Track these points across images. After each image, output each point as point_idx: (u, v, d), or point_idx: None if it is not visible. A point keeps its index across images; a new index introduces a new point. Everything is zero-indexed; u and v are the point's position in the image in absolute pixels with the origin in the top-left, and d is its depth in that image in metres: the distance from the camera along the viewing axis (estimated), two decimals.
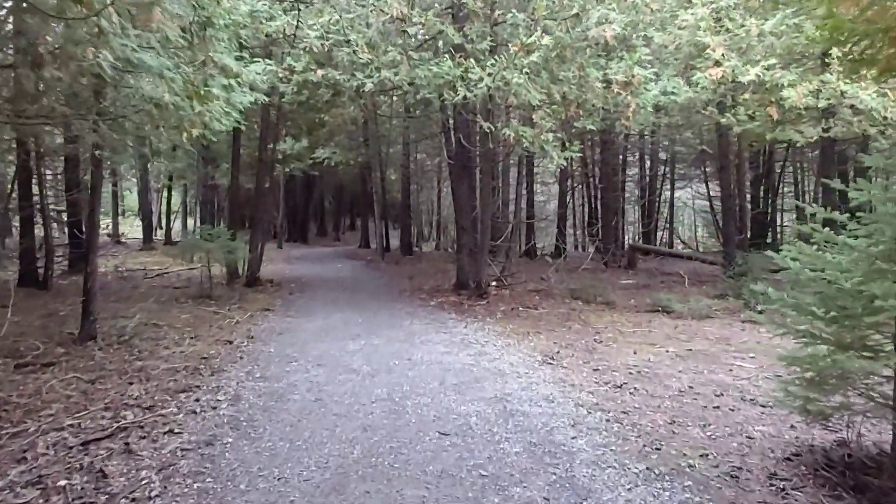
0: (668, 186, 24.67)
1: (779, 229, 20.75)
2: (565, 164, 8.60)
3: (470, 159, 11.44)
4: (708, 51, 9.03)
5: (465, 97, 7.83)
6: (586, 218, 21.06)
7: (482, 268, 10.56)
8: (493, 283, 11.19)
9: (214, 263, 11.63)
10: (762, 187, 18.19)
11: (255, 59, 8.63)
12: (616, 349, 7.16)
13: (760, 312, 4.89)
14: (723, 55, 8.90)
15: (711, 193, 21.58)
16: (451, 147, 16.71)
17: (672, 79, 9.68)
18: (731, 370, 6.11)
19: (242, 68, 6.71)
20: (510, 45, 8.34)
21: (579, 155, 16.15)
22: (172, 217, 30.01)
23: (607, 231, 15.15)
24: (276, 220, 27.65)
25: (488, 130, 8.45)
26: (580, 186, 20.95)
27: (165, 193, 27.33)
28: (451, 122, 12.89)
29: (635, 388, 5.40)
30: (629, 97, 8.72)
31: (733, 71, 8.92)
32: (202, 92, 5.76)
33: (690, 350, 7.05)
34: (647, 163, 23.35)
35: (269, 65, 9.06)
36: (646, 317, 9.27)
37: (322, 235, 37.97)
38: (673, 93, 9.49)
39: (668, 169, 23.52)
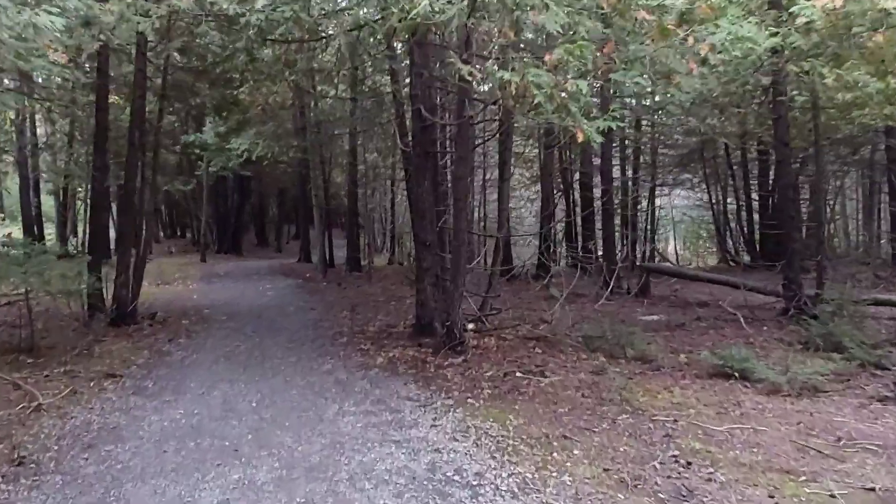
0: (646, 192, 21.60)
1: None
2: (601, 140, 5.09)
3: (433, 142, 7.84)
4: None
5: (431, 12, 4.25)
6: (577, 229, 17.71)
7: (455, 305, 6.96)
8: (471, 327, 7.60)
9: (43, 294, 7.62)
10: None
11: None
12: (727, 486, 3.68)
13: None
14: None
15: (708, 199, 18.65)
16: (405, 132, 13.17)
17: (742, 21, 6.27)
18: None
19: None
20: None
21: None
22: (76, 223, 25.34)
23: (609, 247, 11.81)
24: (198, 229, 23.40)
25: (468, 79, 4.86)
26: (560, 189, 17.59)
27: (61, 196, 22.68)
28: (404, 97, 9.32)
29: None
30: (690, 38, 5.33)
31: None
32: None
33: (876, 491, 3.64)
34: (621, 163, 20.15)
35: None
36: (719, 389, 5.85)
37: (263, 245, 33.62)
38: (748, 39, 6.07)
39: (650, 171, 20.29)
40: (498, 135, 8.05)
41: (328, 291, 13.76)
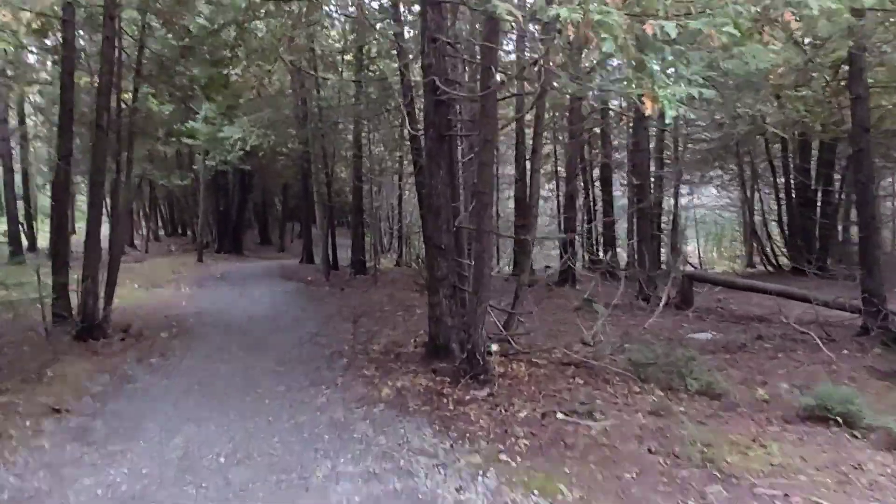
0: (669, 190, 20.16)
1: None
2: (674, 115, 3.78)
3: (449, 123, 6.53)
4: None
5: None
6: (598, 230, 16.37)
7: (478, 323, 5.67)
8: (495, 349, 6.30)
9: None
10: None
11: None
12: None
13: None
14: None
15: (744, 197, 17.23)
16: (414, 117, 11.89)
17: None
18: None
19: None
20: None
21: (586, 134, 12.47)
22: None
23: (644, 251, 10.45)
24: (195, 227, 22.25)
25: (507, 18, 3.59)
26: (582, 186, 16.23)
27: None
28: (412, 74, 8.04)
29: None
30: None
31: None
32: None
33: None
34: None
35: None
36: (822, 441, 4.53)
37: (266, 244, 32.47)
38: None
39: (674, 166, 18.79)
40: (532, 109, 6.73)
41: (329, 298, 12.51)
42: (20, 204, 19.01)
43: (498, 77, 5.75)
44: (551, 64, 4.64)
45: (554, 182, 22.20)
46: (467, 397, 5.37)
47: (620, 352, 6.63)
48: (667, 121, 3.79)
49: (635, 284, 9.98)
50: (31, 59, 15.21)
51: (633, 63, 3.44)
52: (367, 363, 6.78)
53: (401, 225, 25.71)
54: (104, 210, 11.34)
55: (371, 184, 18.75)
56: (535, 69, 6.03)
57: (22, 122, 19.50)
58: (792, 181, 15.12)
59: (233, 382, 6.17)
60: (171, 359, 7.17)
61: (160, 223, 33.02)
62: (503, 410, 5.06)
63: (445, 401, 5.33)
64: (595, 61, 6.13)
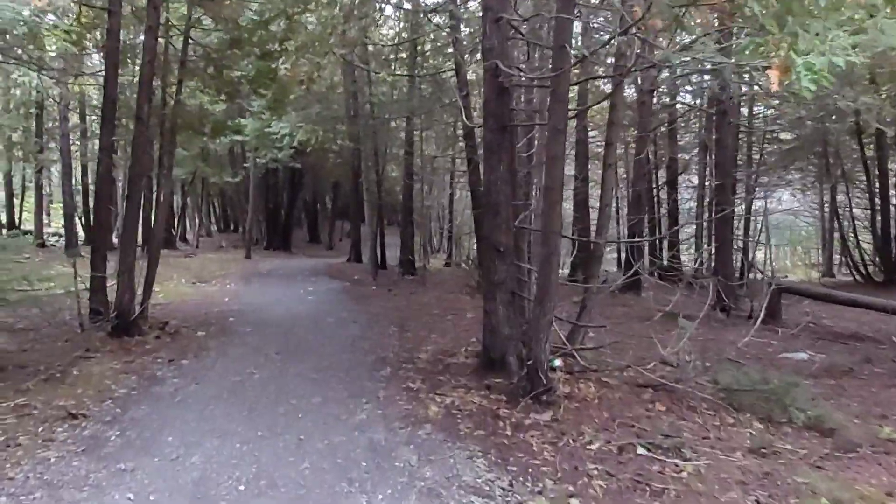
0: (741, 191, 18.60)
1: None
2: (813, 89, 2.89)
3: (511, 114, 5.79)
4: None
5: None
6: (662, 230, 15.23)
7: (541, 337, 4.90)
8: (558, 364, 5.50)
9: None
10: None
11: None
12: None
13: None
14: None
15: (830, 201, 15.71)
16: (469, 111, 11.20)
17: None
18: None
19: None
20: None
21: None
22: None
23: (724, 257, 9.36)
24: (245, 224, 22.23)
25: None
26: (646, 183, 15.08)
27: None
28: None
29: None
30: None
31: None
32: None
33: None
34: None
35: None
36: None
37: (315, 242, 32.43)
38: None
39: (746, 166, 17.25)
40: (613, 90, 5.88)
41: (376, 298, 11.94)
42: (78, 199, 19.32)
43: (573, 55, 4.95)
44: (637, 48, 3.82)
45: (633, 176, 21.14)
46: (528, 421, 4.60)
47: (703, 372, 5.71)
48: (805, 93, 2.94)
49: (710, 294, 8.94)
50: (96, 58, 15.38)
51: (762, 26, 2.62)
52: (413, 374, 6.09)
53: (451, 225, 25.05)
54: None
55: (422, 182, 18.14)
56: (626, 40, 5.20)
57: (82, 119, 19.84)
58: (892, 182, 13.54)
59: (265, 390, 5.59)
60: (203, 360, 6.67)
61: (213, 219, 33.48)
62: (571, 440, 4.27)
63: (502, 424, 4.58)
64: (700, 30, 5.22)
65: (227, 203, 33.06)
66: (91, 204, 21.00)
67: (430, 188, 21.86)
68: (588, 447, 4.16)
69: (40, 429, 4.54)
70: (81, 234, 19.01)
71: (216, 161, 25.56)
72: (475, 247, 29.07)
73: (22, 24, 5.64)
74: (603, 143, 16.15)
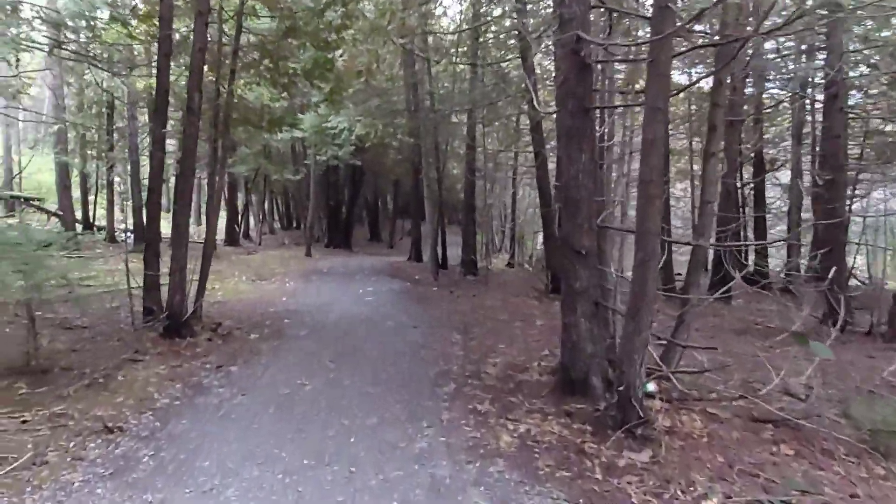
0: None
1: None
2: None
3: (593, 94, 4.99)
4: None
5: None
6: (747, 232, 13.89)
7: (636, 358, 4.09)
8: (652, 388, 4.66)
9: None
10: None
11: None
12: None
13: None
14: None
15: None
16: (537, 101, 10.44)
17: None
18: None
19: None
20: None
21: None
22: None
23: (835, 263, 8.10)
24: (305, 221, 22.15)
25: None
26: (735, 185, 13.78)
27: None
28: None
29: None
30: None
31: None
32: None
33: None
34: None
35: None
36: None
37: (375, 241, 32.26)
38: None
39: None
40: (721, 66, 4.94)
41: (437, 300, 11.30)
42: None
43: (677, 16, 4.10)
44: None
45: (688, 180, 19.81)
46: (621, 462, 3.81)
47: (831, 404, 4.73)
48: None
49: (814, 305, 7.81)
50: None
51: None
52: (481, 392, 5.39)
53: (514, 223, 24.18)
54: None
55: (485, 179, 17.40)
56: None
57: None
58: None
59: (316, 405, 5.02)
60: (253, 367, 6.20)
61: (276, 217, 33.87)
62: (680, 491, 3.45)
63: (590, 464, 3.81)
64: None
65: (290, 200, 33.36)
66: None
67: (491, 185, 21.07)
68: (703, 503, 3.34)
69: (72, 444, 4.13)
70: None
71: (279, 158, 25.71)
72: (539, 247, 28.14)
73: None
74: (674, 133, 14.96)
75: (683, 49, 5.11)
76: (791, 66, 12.24)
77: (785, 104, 13.70)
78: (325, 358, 6.65)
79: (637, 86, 6.68)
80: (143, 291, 7.59)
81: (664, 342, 5.14)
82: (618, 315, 5.20)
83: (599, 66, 6.12)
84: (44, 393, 5.06)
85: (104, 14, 9.11)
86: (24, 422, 4.49)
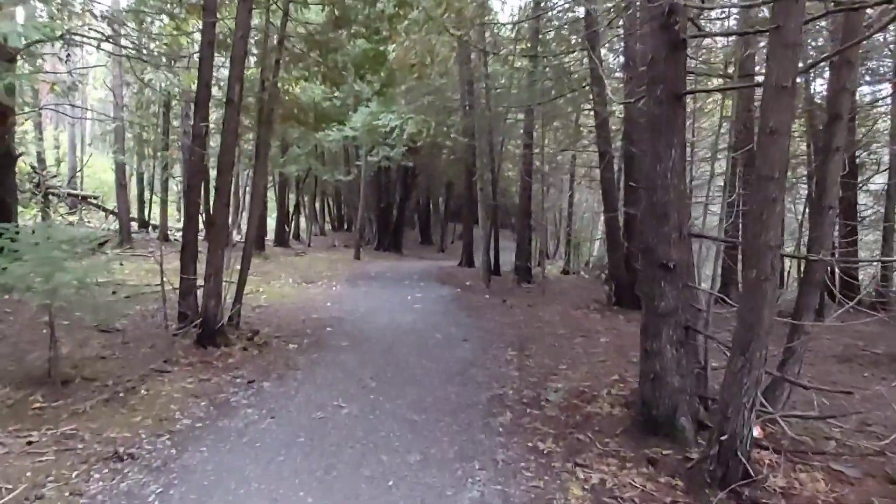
0: None
1: None
2: None
3: (681, 76, 4.18)
4: None
5: None
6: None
7: (744, 400, 3.25)
8: (757, 434, 3.78)
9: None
10: None
11: None
12: None
13: None
14: None
15: None
16: (604, 97, 9.58)
17: None
18: None
19: None
20: None
21: None
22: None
23: None
24: (356, 223, 21.80)
25: None
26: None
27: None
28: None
29: None
30: None
31: None
32: None
33: None
34: None
35: None
36: None
37: (426, 244, 31.78)
38: None
39: None
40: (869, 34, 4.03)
41: (489, 311, 10.55)
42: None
43: None
44: None
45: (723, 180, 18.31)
46: None
47: None
48: None
49: None
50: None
51: None
52: (541, 425, 4.62)
53: (569, 228, 23.17)
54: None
55: (542, 182, 16.54)
56: None
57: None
58: None
59: (351, 436, 4.37)
60: (287, 384, 5.62)
61: (328, 218, 33.85)
62: None
63: None
64: None
65: (341, 202, 33.29)
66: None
67: (547, 189, 20.16)
68: None
69: (75, 473, 3.62)
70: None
71: (330, 159, 25.54)
72: (595, 254, 26.97)
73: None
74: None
75: (814, 15, 4.19)
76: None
77: (887, 100, 12.25)
78: (365, 374, 6.01)
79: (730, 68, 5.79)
80: (179, 296, 7.18)
81: (771, 376, 4.23)
82: (711, 343, 4.33)
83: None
84: (59, 407, 4.61)
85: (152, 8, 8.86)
86: (29, 443, 4.02)
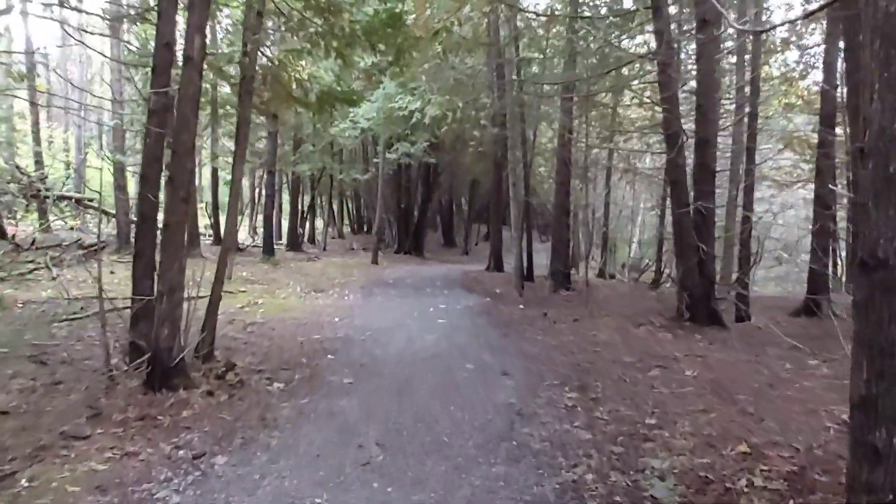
0: None
1: None
2: None
3: None
4: None
5: None
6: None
7: None
8: None
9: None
10: None
11: None
12: None
13: None
14: None
15: None
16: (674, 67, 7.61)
17: None
18: None
19: None
20: None
21: None
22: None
23: None
24: (374, 225, 20.05)
25: None
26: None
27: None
28: None
29: None
30: None
31: None
32: None
33: None
34: None
35: None
36: None
37: (449, 246, 29.94)
38: None
39: None
40: None
41: (528, 326, 8.67)
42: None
43: None
44: None
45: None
46: None
47: None
48: None
49: None
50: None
51: None
52: None
53: (606, 228, 21.14)
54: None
55: (584, 179, 14.58)
56: None
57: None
58: None
59: None
60: (254, 457, 3.81)
61: (347, 220, 32.23)
62: None
63: None
64: None
65: (360, 202, 31.66)
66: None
67: (585, 185, 18.18)
68: None
69: None
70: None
71: (347, 157, 23.84)
72: (632, 255, 24.85)
73: None
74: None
75: None
76: None
77: None
78: (370, 437, 4.18)
79: None
80: (131, 322, 5.47)
81: None
82: None
83: None
84: None
85: None
86: None
